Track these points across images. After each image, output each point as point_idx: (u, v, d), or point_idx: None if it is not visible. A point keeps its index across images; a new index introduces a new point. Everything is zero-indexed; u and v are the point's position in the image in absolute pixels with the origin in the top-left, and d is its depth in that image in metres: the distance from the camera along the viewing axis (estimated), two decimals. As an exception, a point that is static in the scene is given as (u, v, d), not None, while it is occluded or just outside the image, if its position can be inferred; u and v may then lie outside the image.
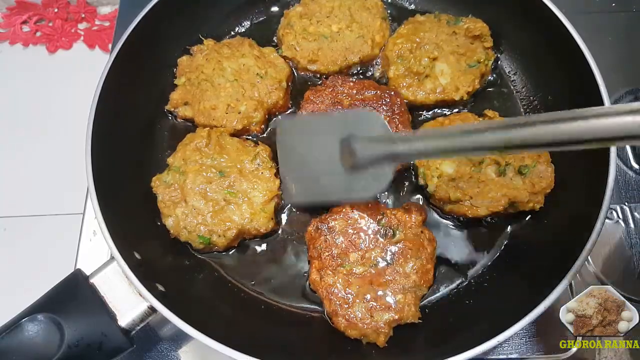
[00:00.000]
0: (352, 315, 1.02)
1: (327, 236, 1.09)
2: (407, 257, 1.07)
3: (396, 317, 1.02)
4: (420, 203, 1.22)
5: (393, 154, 0.92)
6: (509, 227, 1.19)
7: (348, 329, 1.02)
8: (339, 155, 1.02)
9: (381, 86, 1.28)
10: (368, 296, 1.03)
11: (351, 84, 1.26)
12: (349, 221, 1.10)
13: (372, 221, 1.10)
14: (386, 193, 1.23)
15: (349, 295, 1.03)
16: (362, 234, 1.09)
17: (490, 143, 0.75)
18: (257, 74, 1.28)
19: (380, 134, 0.98)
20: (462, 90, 1.26)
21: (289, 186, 1.12)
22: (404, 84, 1.29)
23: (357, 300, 1.03)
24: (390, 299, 1.03)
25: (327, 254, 1.07)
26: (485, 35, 1.30)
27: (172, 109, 1.30)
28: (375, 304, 1.02)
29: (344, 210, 1.11)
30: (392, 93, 1.25)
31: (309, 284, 1.11)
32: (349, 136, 0.99)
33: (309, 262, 1.12)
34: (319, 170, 1.06)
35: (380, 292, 1.04)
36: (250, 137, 1.29)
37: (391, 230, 1.09)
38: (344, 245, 1.08)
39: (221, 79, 1.27)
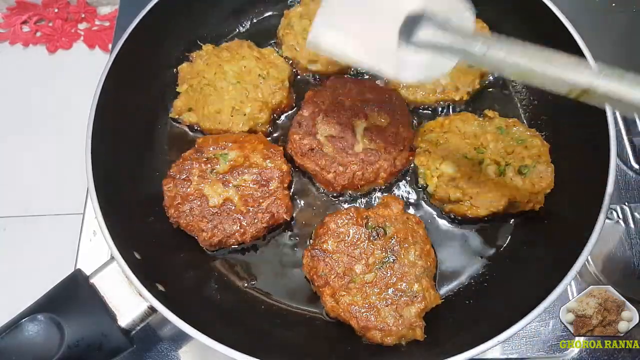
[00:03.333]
0: (383, 324, 1.01)
1: (326, 259, 1.07)
2: (406, 247, 1.08)
3: (422, 306, 1.02)
4: (396, 196, 1.21)
5: (464, 51, 0.80)
6: (508, 228, 1.19)
7: (385, 338, 1.01)
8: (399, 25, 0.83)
9: (381, 87, 1.28)
10: (389, 299, 1.03)
11: (352, 85, 1.26)
12: (340, 237, 1.09)
13: (359, 228, 1.10)
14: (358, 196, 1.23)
15: (371, 306, 1.03)
16: (356, 243, 1.09)
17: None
18: (259, 74, 1.28)
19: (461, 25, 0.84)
20: (462, 90, 1.26)
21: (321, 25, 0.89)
22: (404, 84, 1.29)
23: (381, 307, 1.02)
24: (409, 292, 1.03)
25: (333, 276, 1.06)
26: None
27: (177, 116, 1.29)
28: (398, 303, 1.03)
29: (329, 230, 1.10)
30: (393, 94, 1.25)
31: (327, 314, 1.08)
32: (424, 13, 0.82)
33: (317, 293, 1.10)
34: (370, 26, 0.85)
35: (397, 290, 1.04)
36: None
37: (381, 229, 1.10)
38: (345, 261, 1.07)
39: (223, 83, 1.27)
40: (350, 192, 1.23)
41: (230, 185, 1.15)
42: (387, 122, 1.22)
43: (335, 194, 1.23)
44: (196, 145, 1.20)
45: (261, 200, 1.13)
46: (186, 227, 1.12)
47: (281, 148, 1.20)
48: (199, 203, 1.13)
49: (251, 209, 1.13)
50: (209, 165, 1.16)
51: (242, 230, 1.11)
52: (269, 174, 1.15)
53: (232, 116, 1.24)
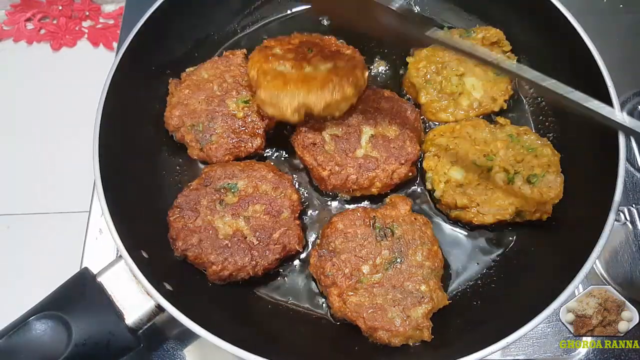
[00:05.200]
0: (390, 324, 1.00)
1: (333, 259, 1.06)
2: (413, 247, 1.07)
3: (429, 307, 1.02)
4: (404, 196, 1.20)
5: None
6: (516, 229, 1.18)
7: (392, 339, 1.00)
8: None
9: (400, 100, 1.24)
10: (396, 300, 1.03)
11: (370, 92, 1.24)
12: (347, 237, 1.09)
13: (366, 228, 1.09)
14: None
15: (379, 307, 1.02)
16: (363, 243, 1.08)
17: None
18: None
19: None
20: (500, 99, 1.24)
21: None
22: (439, 107, 1.26)
23: (388, 308, 1.02)
24: (416, 293, 1.03)
25: (340, 276, 1.05)
26: (502, 40, 1.29)
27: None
28: (405, 304, 1.02)
29: (336, 230, 1.09)
30: (409, 111, 1.22)
31: (332, 315, 1.08)
32: None
33: (323, 293, 1.09)
34: None
35: (404, 291, 1.03)
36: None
37: (389, 230, 1.09)
38: (352, 262, 1.06)
39: None
40: (341, 194, 1.21)
41: (241, 217, 1.11)
42: (395, 135, 1.19)
43: (326, 193, 1.22)
44: (202, 175, 1.16)
45: (272, 232, 1.11)
46: (194, 259, 1.08)
47: (290, 177, 1.18)
48: (208, 235, 1.09)
49: (262, 240, 1.09)
50: (217, 196, 1.13)
51: (254, 263, 1.07)
52: (279, 204, 1.13)
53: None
